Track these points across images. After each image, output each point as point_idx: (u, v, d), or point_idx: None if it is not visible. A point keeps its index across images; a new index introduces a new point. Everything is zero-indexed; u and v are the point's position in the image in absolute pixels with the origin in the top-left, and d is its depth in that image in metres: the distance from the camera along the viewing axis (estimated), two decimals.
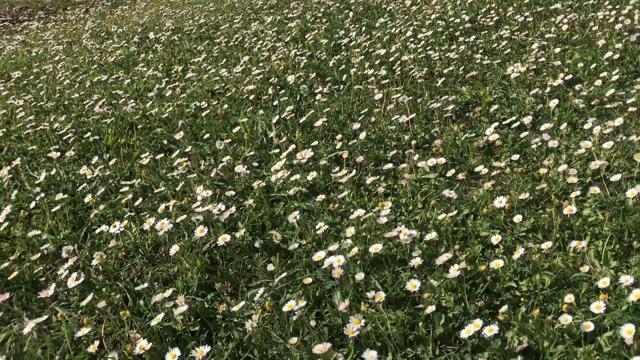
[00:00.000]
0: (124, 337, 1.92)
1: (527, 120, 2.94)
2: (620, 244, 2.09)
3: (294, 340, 1.80)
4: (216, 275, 2.22)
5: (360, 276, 1.94)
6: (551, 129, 2.82)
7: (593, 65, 3.50)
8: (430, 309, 1.81)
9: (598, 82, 3.23)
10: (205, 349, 1.60)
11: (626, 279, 1.80)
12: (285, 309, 1.87)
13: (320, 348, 1.67)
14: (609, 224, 2.16)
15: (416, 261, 2.01)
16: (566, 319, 1.69)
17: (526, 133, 2.85)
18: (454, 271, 1.89)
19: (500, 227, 2.29)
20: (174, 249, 2.20)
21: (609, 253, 2.05)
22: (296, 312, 1.86)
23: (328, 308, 1.96)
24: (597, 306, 1.68)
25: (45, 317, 1.98)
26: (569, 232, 2.18)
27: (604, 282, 1.80)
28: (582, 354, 1.67)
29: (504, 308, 1.78)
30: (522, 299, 1.92)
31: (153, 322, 1.85)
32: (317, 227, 2.30)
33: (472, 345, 1.75)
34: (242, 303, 1.95)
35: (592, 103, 3.02)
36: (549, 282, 1.96)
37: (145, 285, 2.03)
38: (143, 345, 1.71)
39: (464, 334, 1.73)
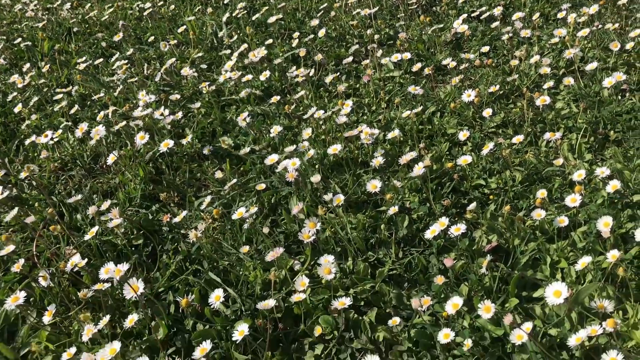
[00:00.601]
0: (60, 255, 1.74)
1: (497, 11, 2.73)
2: (595, 136, 1.96)
3: (245, 248, 1.64)
4: (162, 185, 2.03)
5: (316, 178, 1.77)
6: (523, 19, 2.61)
7: None
8: (393, 210, 1.66)
9: None
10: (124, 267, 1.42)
11: (602, 171, 1.67)
12: (235, 216, 1.71)
13: (272, 254, 1.52)
14: (583, 116, 2.02)
15: (378, 161, 1.85)
16: (539, 214, 1.56)
17: (497, 24, 2.63)
18: (418, 169, 1.73)
19: (468, 123, 2.12)
20: (112, 158, 1.99)
21: (584, 146, 1.92)
22: (247, 220, 1.69)
23: (284, 215, 1.80)
24: (573, 199, 1.56)
25: None
26: (541, 126, 2.03)
27: (579, 175, 1.67)
28: (555, 251, 1.55)
29: (472, 205, 1.64)
30: (491, 197, 1.78)
31: (87, 237, 1.67)
32: (271, 130, 2.11)
33: (438, 246, 1.62)
34: (185, 212, 1.77)
35: None
36: (520, 178, 1.82)
37: (80, 197, 1.84)
38: (74, 261, 1.53)
39: (429, 234, 1.59)
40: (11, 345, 1.54)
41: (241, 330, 1.34)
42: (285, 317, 1.51)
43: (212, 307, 1.45)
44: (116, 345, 1.27)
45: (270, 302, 1.36)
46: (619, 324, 1.19)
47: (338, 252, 1.66)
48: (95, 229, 1.66)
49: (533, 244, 1.58)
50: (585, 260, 1.39)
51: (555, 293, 1.23)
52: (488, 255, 1.51)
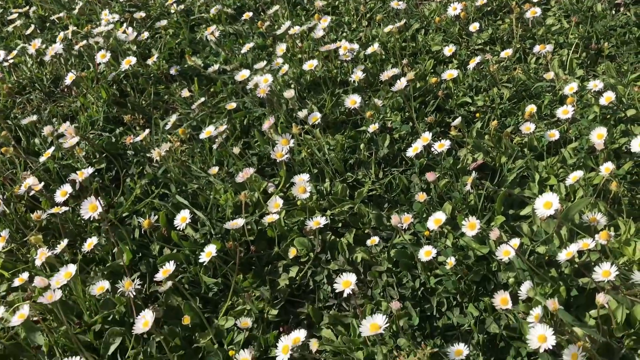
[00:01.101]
0: (15, 181, 1.62)
1: None
2: (587, 51, 1.84)
3: (215, 169, 1.53)
4: (126, 108, 1.89)
5: (290, 93, 1.65)
6: None
7: None
8: (374, 127, 1.56)
9: None
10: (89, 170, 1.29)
11: (595, 84, 1.57)
12: (203, 135, 1.58)
13: (243, 174, 1.41)
14: (575, 30, 1.90)
15: (357, 76, 1.72)
16: (528, 127, 1.46)
17: None
18: (400, 84, 1.61)
19: (454, 40, 1.99)
20: (70, 77, 1.84)
21: (575, 62, 1.80)
22: (217, 140, 1.57)
23: (257, 136, 1.69)
24: (564, 111, 1.46)
25: None
26: (530, 42, 1.90)
27: (570, 88, 1.56)
28: (544, 168, 1.46)
29: (457, 121, 1.53)
30: (477, 115, 1.68)
31: (42, 158, 1.54)
32: (243, 48, 1.96)
33: (420, 165, 1.52)
34: (148, 131, 1.65)
35: None
36: (508, 95, 1.71)
37: (35, 117, 1.70)
38: (28, 183, 1.41)
39: (411, 152, 1.49)
40: None
41: (208, 252, 1.24)
42: (258, 241, 1.42)
43: (178, 229, 1.35)
44: (71, 268, 1.17)
45: (239, 222, 1.27)
46: (612, 236, 1.11)
47: (315, 174, 1.56)
48: (51, 150, 1.53)
49: (521, 161, 1.49)
50: (576, 174, 1.30)
51: (546, 204, 1.14)
52: (473, 172, 1.42)
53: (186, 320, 1.19)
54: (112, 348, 1.20)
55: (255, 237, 1.41)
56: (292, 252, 1.34)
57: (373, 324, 0.99)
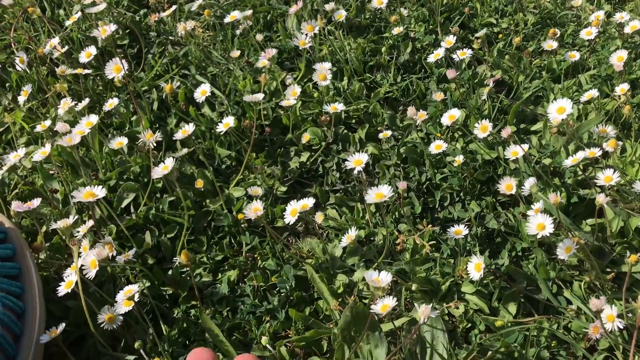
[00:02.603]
0: (39, 44, 1.63)
1: None
2: None
3: (236, 53, 1.55)
4: None
5: None
6: None
7: None
8: (398, 30, 1.56)
9: None
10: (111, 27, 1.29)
11: (621, 16, 1.57)
12: (227, 19, 1.59)
13: (265, 55, 1.43)
14: None
15: None
16: (550, 45, 1.47)
17: None
18: None
19: None
20: None
21: None
22: (241, 24, 1.58)
23: (279, 30, 1.70)
24: (588, 32, 1.47)
25: None
26: None
27: (597, 16, 1.57)
28: (559, 90, 1.49)
29: (481, 32, 1.54)
30: (500, 36, 1.68)
31: (68, 22, 1.55)
32: None
33: (439, 74, 1.54)
34: (175, 7, 1.65)
35: None
36: (533, 21, 1.71)
37: None
38: (53, 43, 1.43)
39: (432, 58, 1.51)
40: None
41: (226, 123, 1.28)
42: (272, 127, 1.45)
43: (197, 101, 1.38)
44: (93, 118, 1.20)
45: (259, 96, 1.29)
46: (619, 145, 1.15)
47: (334, 71, 1.57)
48: (77, 15, 1.54)
49: (537, 81, 1.51)
50: (591, 93, 1.32)
51: (559, 109, 1.17)
52: (491, 83, 1.44)
53: (199, 183, 1.24)
54: (125, 202, 1.25)
55: (270, 123, 1.45)
56: (305, 138, 1.37)
57: (378, 193, 1.03)
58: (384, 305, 0.84)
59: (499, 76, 1.54)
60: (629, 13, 1.73)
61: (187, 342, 1.04)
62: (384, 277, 0.87)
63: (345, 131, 1.43)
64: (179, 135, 1.19)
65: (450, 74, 1.33)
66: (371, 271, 0.90)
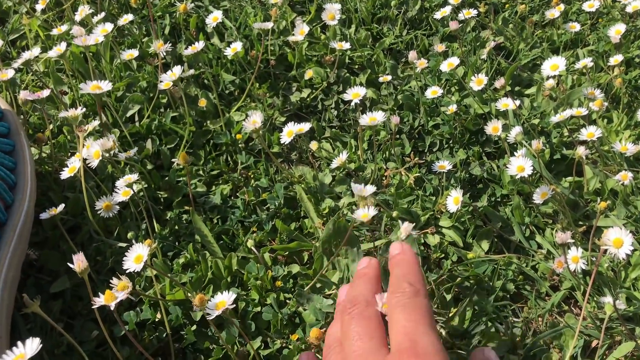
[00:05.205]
0: None
1: None
2: None
3: None
4: None
5: None
6: None
7: None
8: None
9: None
10: None
11: None
12: None
13: None
14: None
15: None
16: (552, 14, 1.53)
17: None
18: None
19: None
20: None
21: None
22: None
23: None
24: (590, 4, 1.52)
25: None
26: None
27: None
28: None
29: None
30: (506, 5, 1.74)
31: None
32: None
33: (444, 33, 1.59)
34: None
35: None
36: None
37: None
38: None
39: (439, 15, 1.56)
40: None
41: (234, 47, 1.32)
42: (278, 63, 1.50)
43: (208, 25, 1.42)
44: (108, 26, 1.25)
45: (268, 24, 1.34)
46: (605, 105, 1.20)
47: (342, 19, 1.62)
48: None
49: (537, 50, 1.57)
50: (585, 61, 1.38)
51: (553, 66, 1.23)
52: (492, 43, 1.49)
53: (202, 102, 1.29)
54: (130, 112, 1.30)
55: (276, 58, 1.50)
56: (308, 74, 1.43)
57: (372, 117, 1.09)
58: (364, 213, 0.90)
59: (501, 41, 1.59)
60: None
61: (177, 242, 1.10)
62: (369, 188, 0.93)
63: (348, 75, 1.48)
64: (189, 50, 1.24)
65: (453, 24, 1.38)
66: (357, 184, 0.95)
